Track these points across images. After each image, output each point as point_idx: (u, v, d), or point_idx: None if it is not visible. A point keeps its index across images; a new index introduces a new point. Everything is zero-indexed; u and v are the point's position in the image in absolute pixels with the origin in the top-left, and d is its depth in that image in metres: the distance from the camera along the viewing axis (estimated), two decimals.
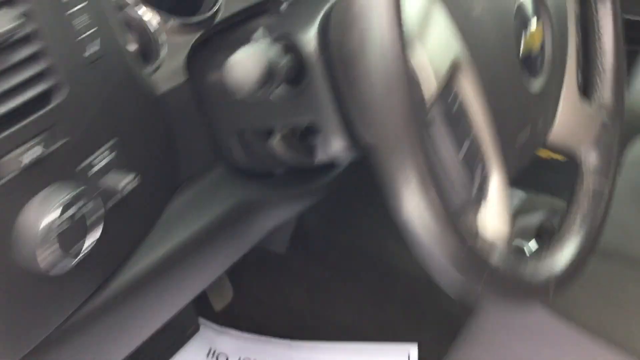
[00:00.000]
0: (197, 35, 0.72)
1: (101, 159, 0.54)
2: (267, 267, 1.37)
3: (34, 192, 0.49)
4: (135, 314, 0.66)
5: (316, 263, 1.35)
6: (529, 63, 0.63)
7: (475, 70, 0.56)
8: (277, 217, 0.81)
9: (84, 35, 0.52)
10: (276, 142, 0.68)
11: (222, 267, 0.77)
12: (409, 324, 1.27)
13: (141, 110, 0.59)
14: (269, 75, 0.53)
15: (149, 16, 0.67)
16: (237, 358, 1.26)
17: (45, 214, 0.49)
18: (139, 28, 0.68)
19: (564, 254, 0.66)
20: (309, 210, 0.89)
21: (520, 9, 0.63)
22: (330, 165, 0.84)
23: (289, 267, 1.37)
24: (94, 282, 0.57)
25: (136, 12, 0.66)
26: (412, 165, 0.47)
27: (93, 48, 0.53)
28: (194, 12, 0.74)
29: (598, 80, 0.78)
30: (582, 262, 0.67)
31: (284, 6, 0.72)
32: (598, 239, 0.72)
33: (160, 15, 0.68)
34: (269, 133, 0.69)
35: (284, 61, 0.59)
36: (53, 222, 0.49)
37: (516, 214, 0.64)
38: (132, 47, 0.66)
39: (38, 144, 0.49)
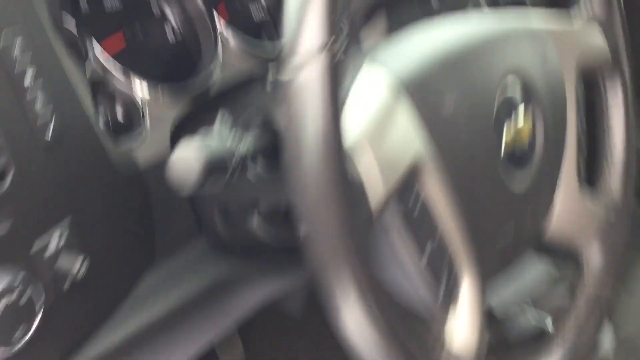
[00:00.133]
0: (186, 102, 0.71)
1: (51, 242, 0.53)
2: (281, 329, 1.34)
3: None
4: None
5: (331, 328, 1.32)
6: (514, 160, 0.60)
7: (443, 171, 0.53)
8: (262, 295, 0.79)
9: (42, 121, 0.53)
10: (257, 220, 0.67)
11: (199, 344, 0.75)
12: None
13: (104, 190, 0.59)
14: (214, 169, 0.51)
15: (136, 85, 0.67)
16: None
17: None
18: (124, 99, 0.68)
19: None
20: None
21: (506, 104, 0.60)
22: None
23: (303, 331, 1.34)
24: None
25: (121, 83, 0.67)
26: (349, 278, 0.45)
27: (51, 132, 0.53)
28: (187, 77, 0.74)
29: (605, 174, 0.74)
30: None
31: (269, 84, 0.72)
32: (592, 347, 0.67)
33: (147, 83, 0.68)
34: (253, 210, 0.68)
35: (245, 146, 0.57)
36: None
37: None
38: (119, 116, 0.67)
39: None
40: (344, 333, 0.46)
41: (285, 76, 0.43)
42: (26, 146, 0.52)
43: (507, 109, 0.60)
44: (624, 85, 0.72)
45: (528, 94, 0.62)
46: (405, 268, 0.54)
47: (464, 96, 0.56)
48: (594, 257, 0.70)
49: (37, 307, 0.52)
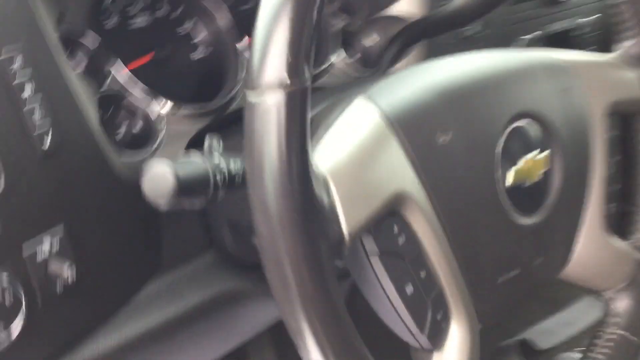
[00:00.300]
0: (205, 120, 0.73)
1: (42, 246, 0.55)
2: None
3: None
4: None
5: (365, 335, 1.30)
6: (522, 194, 0.58)
7: (432, 204, 0.52)
8: (271, 311, 0.78)
9: (39, 130, 0.54)
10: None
11: (202, 355, 0.76)
12: None
13: (104, 200, 0.60)
14: (192, 186, 0.51)
15: (154, 102, 0.69)
16: None
17: None
18: (141, 114, 0.70)
19: None
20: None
21: (517, 144, 0.58)
22: None
23: None
24: None
25: (138, 98, 0.69)
26: (302, 309, 0.44)
27: (49, 141, 0.55)
28: (209, 96, 0.76)
29: (637, 218, 0.70)
30: None
31: None
32: None
33: (167, 101, 0.70)
34: None
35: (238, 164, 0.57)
36: None
37: None
38: (133, 129, 0.69)
39: None
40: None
41: (249, 99, 0.43)
42: (21, 154, 0.54)
43: (517, 149, 0.58)
44: None
45: (544, 135, 0.60)
46: (388, 304, 0.52)
47: (462, 134, 0.54)
48: (622, 300, 0.67)
49: (23, 309, 0.53)
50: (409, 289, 0.51)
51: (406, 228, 0.51)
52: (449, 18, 0.83)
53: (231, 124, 0.73)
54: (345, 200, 0.46)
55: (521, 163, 0.58)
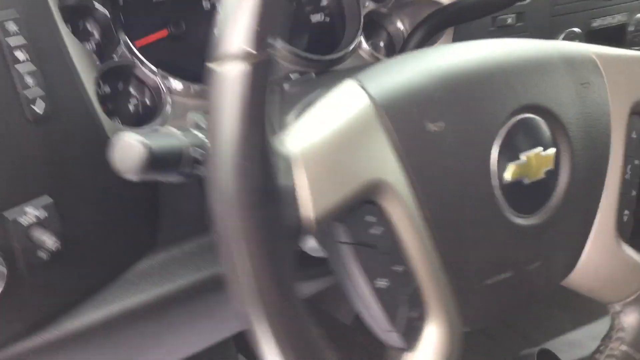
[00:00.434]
0: None
1: (27, 212, 0.55)
2: (332, 334, 1.32)
3: None
4: None
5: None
6: (521, 192, 0.54)
7: (416, 195, 0.49)
8: None
9: (32, 95, 0.54)
10: None
11: (191, 335, 0.75)
12: None
13: (97, 170, 0.60)
14: (164, 159, 0.49)
15: (167, 81, 0.69)
16: None
17: None
18: (150, 87, 0.70)
19: None
20: None
21: (519, 129, 0.54)
22: None
23: (354, 337, 1.31)
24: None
25: (146, 75, 0.68)
26: (254, 305, 0.42)
27: (39, 109, 0.55)
28: None
29: None
30: None
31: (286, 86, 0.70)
32: None
33: (180, 80, 0.70)
34: None
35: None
36: None
37: None
38: (141, 102, 0.69)
39: None
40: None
41: (212, 67, 0.42)
42: (10, 119, 0.54)
43: (519, 144, 0.54)
44: None
45: (552, 131, 0.56)
46: (360, 296, 0.50)
47: (456, 123, 0.51)
48: (629, 314, 0.63)
49: (4, 274, 0.53)
50: (382, 283, 0.49)
51: (383, 219, 0.49)
52: (479, 4, 0.79)
53: None
54: (313, 184, 0.44)
55: (522, 159, 0.54)
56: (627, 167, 0.61)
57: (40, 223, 0.56)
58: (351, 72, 0.52)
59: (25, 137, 0.55)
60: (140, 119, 0.70)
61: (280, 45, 0.42)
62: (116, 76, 0.68)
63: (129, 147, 0.45)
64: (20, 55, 0.54)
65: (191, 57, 0.76)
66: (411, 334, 0.51)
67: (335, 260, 0.50)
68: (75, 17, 0.66)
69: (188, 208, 0.71)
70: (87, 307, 0.64)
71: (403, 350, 0.51)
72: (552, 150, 0.56)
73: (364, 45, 0.84)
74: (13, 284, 0.55)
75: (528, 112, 0.55)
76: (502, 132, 0.53)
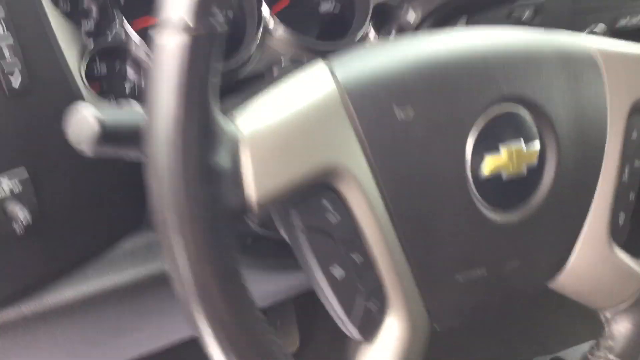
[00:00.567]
0: None
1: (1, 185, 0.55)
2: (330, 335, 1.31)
3: None
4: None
5: None
6: (498, 187, 0.52)
7: (378, 183, 0.48)
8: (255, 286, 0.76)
9: (9, 68, 0.55)
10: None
11: (173, 320, 0.75)
12: None
13: (71, 150, 0.60)
14: (118, 134, 0.48)
15: None
16: None
17: None
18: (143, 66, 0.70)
19: None
20: None
21: (500, 121, 0.51)
22: None
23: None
24: None
25: (142, 54, 0.68)
26: (190, 289, 0.41)
27: (16, 82, 0.55)
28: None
29: None
30: None
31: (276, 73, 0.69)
32: None
33: None
34: None
35: None
36: None
37: None
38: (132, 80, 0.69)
39: None
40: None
41: (153, 35, 0.41)
42: None
43: (499, 137, 0.52)
44: None
45: (538, 126, 0.53)
46: (317, 285, 0.49)
47: (428, 111, 0.49)
48: (620, 322, 0.59)
49: None
50: (338, 272, 0.47)
51: (341, 206, 0.47)
52: None
53: (241, 87, 0.71)
54: (257, 165, 0.43)
55: (500, 152, 0.51)
56: (625, 168, 0.58)
57: (15, 196, 0.56)
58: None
59: (1, 110, 0.55)
60: (137, 100, 0.70)
61: (222, 20, 0.40)
62: (113, 56, 0.68)
63: (82, 120, 0.45)
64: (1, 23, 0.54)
65: None
66: (369, 327, 0.49)
67: (294, 246, 0.49)
68: None
69: None
70: (67, 283, 0.64)
71: (361, 342, 0.50)
72: (536, 146, 0.53)
73: (372, 36, 0.82)
74: None
75: (510, 104, 0.52)
76: (480, 123, 0.51)
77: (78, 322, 0.67)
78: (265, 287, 0.79)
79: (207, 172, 0.41)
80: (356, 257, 0.48)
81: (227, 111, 0.55)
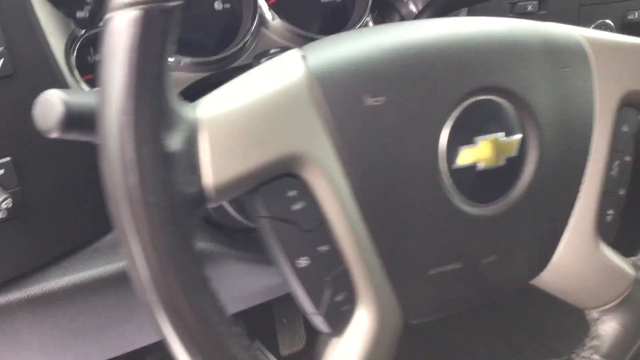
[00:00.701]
0: (206, 74, 0.71)
1: None
2: None
3: None
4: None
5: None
6: (474, 179, 0.50)
7: (346, 171, 0.46)
8: (241, 277, 0.76)
9: None
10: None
11: None
12: None
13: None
14: (83, 120, 0.45)
15: None
16: None
17: None
18: None
19: None
20: None
21: (478, 111, 0.50)
22: None
23: None
24: None
25: None
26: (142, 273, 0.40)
27: (0, 65, 0.55)
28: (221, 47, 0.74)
29: None
30: None
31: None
32: None
33: (174, 55, 0.69)
34: None
35: None
36: None
37: None
38: None
39: None
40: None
41: (106, 17, 0.40)
42: None
43: (476, 127, 0.50)
44: None
45: (520, 117, 0.52)
46: (284, 275, 0.48)
47: (399, 98, 0.48)
48: (606, 322, 0.58)
49: None
50: (304, 262, 0.46)
51: (306, 194, 0.46)
52: None
53: (235, 77, 0.70)
54: (216, 150, 0.42)
55: (476, 143, 0.50)
56: (614, 163, 0.56)
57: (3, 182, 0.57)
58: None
59: None
60: None
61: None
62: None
63: (47, 104, 0.44)
64: None
65: (188, 30, 0.76)
66: (337, 319, 0.48)
67: (260, 232, 0.48)
68: None
69: None
70: (54, 273, 0.64)
71: (331, 335, 0.49)
72: (515, 137, 0.51)
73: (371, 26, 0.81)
74: None
75: (489, 94, 0.50)
76: (456, 113, 0.49)
77: (64, 313, 0.67)
78: (267, 281, 0.79)
79: (160, 156, 0.40)
80: (322, 247, 0.47)
81: None
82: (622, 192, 0.57)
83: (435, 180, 0.49)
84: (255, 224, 0.48)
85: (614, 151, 0.56)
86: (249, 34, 0.75)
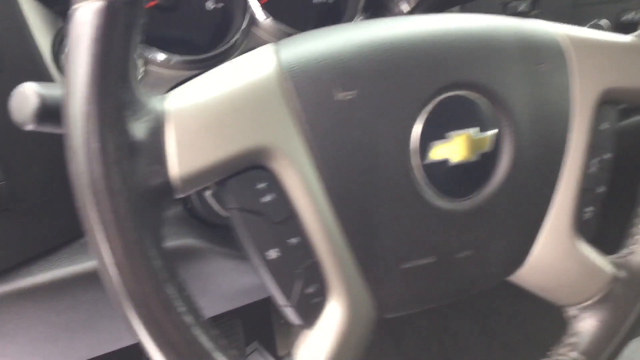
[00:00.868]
0: (197, 72, 0.72)
1: None
2: None
3: None
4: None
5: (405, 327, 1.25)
6: (447, 174, 0.50)
7: (316, 164, 0.47)
8: (227, 274, 0.76)
9: None
10: (209, 194, 0.65)
11: None
12: None
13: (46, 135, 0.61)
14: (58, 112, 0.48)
15: (154, 53, 0.70)
16: None
17: None
18: None
19: None
20: None
21: (451, 106, 0.50)
22: None
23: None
24: None
25: None
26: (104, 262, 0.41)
27: None
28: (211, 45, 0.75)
29: (630, 241, 0.59)
30: None
31: None
32: None
33: (166, 53, 0.71)
34: None
35: None
36: None
37: None
38: None
39: None
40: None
41: (71, 9, 0.40)
42: None
43: (450, 122, 0.50)
44: None
45: (495, 113, 0.52)
46: (255, 267, 0.48)
47: (370, 93, 0.48)
48: (585, 319, 0.57)
49: None
50: (274, 254, 0.47)
51: (276, 187, 0.46)
52: None
53: None
54: (182, 141, 0.43)
55: (449, 138, 0.50)
56: (594, 160, 0.56)
57: None
58: None
59: None
60: None
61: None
62: None
63: (23, 96, 0.45)
64: None
65: (180, 29, 0.77)
66: (309, 311, 0.48)
67: (232, 227, 0.48)
68: None
69: None
70: (40, 266, 0.65)
71: (302, 327, 0.49)
72: (489, 132, 0.51)
73: None
74: None
75: (462, 89, 0.51)
76: (428, 108, 0.49)
77: (51, 307, 0.68)
78: (258, 279, 0.79)
79: (125, 145, 0.40)
80: (292, 239, 0.47)
81: None
82: (601, 189, 0.56)
83: (407, 174, 0.49)
84: (226, 215, 0.48)
85: (593, 148, 0.55)
86: (239, 33, 0.75)
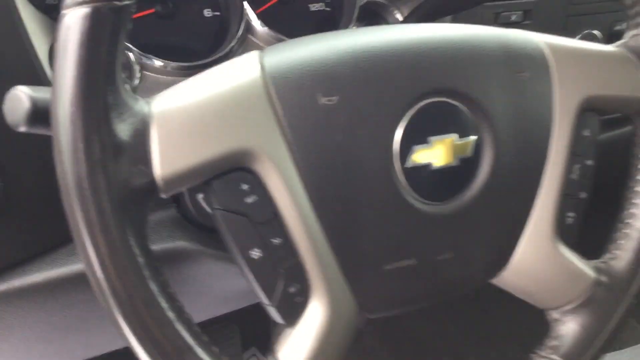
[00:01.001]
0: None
1: None
2: None
3: None
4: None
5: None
6: (428, 178, 0.51)
7: (297, 167, 0.48)
8: (218, 277, 0.77)
9: None
10: (202, 197, 0.67)
11: None
12: None
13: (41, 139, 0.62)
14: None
15: (151, 59, 0.72)
16: None
17: None
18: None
19: None
20: None
21: (432, 112, 0.51)
22: None
23: (361, 342, 1.29)
24: None
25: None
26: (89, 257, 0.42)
27: None
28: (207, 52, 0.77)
29: (613, 246, 0.60)
30: None
31: None
32: None
33: (162, 60, 0.72)
34: None
35: None
36: None
37: None
38: None
39: None
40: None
41: (60, 14, 0.42)
42: None
43: (431, 128, 0.51)
44: None
45: (475, 120, 0.53)
46: (239, 266, 0.50)
47: (352, 98, 0.49)
48: (567, 323, 0.58)
49: None
50: (256, 253, 0.48)
51: (259, 188, 0.48)
52: None
53: None
54: (166, 142, 0.44)
55: (430, 143, 0.51)
56: (575, 166, 0.57)
57: None
58: None
59: None
60: None
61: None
62: None
63: (15, 99, 0.47)
64: None
65: (177, 36, 0.78)
66: (291, 310, 0.49)
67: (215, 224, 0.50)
68: None
69: None
70: (35, 267, 0.66)
71: (284, 326, 0.50)
72: (469, 138, 0.52)
73: None
74: None
75: (443, 96, 0.52)
76: (410, 114, 0.51)
77: (46, 307, 0.69)
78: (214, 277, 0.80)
79: (109, 145, 0.42)
80: (275, 239, 0.48)
81: None
82: (583, 195, 0.57)
83: (389, 178, 0.50)
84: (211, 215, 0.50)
85: (575, 155, 0.56)
86: (235, 40, 0.77)
